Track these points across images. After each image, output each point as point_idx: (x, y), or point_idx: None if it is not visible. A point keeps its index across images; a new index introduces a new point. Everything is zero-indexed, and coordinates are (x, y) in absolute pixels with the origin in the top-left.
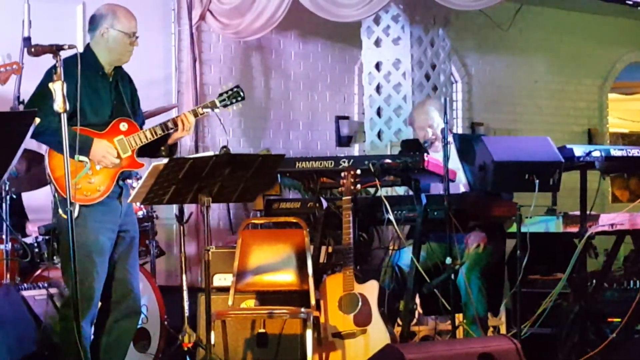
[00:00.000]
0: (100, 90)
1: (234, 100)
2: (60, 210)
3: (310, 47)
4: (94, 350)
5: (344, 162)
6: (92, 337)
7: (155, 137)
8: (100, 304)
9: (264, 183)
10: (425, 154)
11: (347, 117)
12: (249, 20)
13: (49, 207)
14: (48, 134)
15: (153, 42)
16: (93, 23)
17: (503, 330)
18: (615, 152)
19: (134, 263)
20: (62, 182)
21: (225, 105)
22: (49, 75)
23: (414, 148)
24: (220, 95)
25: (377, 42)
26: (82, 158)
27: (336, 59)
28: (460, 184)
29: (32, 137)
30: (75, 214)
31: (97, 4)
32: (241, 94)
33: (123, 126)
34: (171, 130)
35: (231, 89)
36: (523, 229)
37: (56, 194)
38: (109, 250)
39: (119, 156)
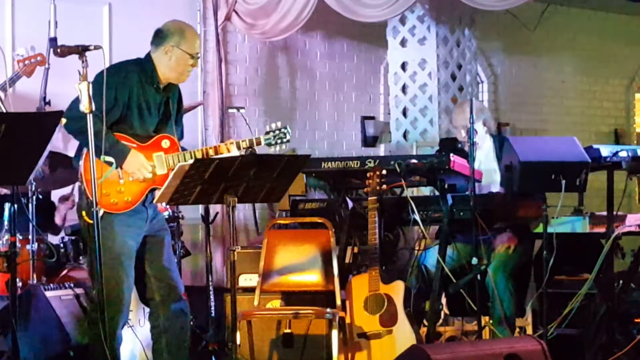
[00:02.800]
0: (151, 104)
1: (279, 141)
2: (84, 212)
3: (336, 47)
4: (158, 351)
5: (370, 162)
6: (122, 340)
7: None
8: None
9: (289, 183)
10: (452, 155)
11: (372, 117)
12: (274, 20)
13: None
14: (87, 135)
15: None
16: (159, 37)
17: (529, 330)
18: None
19: (170, 259)
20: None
21: (269, 145)
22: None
23: (451, 146)
24: (267, 133)
25: (403, 42)
26: (108, 159)
27: (362, 59)
28: (492, 186)
29: (72, 134)
30: (100, 216)
31: (124, 5)
32: (287, 136)
33: (165, 143)
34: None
35: (279, 129)
36: (549, 230)
37: (84, 196)
38: (135, 254)
39: (153, 172)
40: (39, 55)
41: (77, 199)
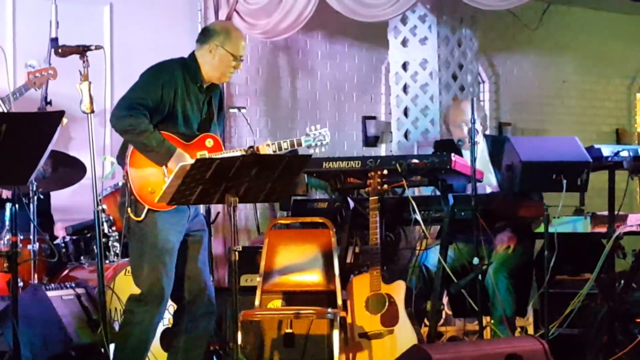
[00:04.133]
0: (194, 102)
1: (319, 143)
2: (129, 209)
3: (337, 47)
4: (174, 350)
5: (371, 162)
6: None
7: None
8: (175, 305)
9: (290, 183)
10: (453, 155)
11: (374, 117)
12: (275, 20)
13: (75, 207)
14: (136, 133)
15: (180, 42)
16: (205, 36)
17: (531, 330)
18: None
19: (205, 260)
20: (138, 183)
21: (309, 146)
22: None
23: (447, 148)
24: (307, 135)
25: (404, 42)
26: (111, 159)
27: (363, 59)
28: (487, 186)
29: (120, 131)
30: (142, 216)
31: (125, 5)
32: (327, 138)
33: (209, 142)
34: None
35: (319, 132)
36: (551, 230)
37: (130, 194)
38: (177, 251)
39: None
40: (51, 69)
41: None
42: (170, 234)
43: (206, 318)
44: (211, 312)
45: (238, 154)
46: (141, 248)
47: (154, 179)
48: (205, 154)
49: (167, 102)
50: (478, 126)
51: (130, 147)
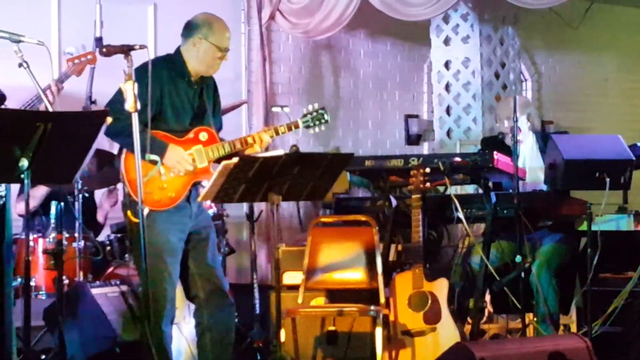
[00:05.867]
0: (184, 97)
1: (317, 123)
2: (129, 212)
3: (380, 46)
4: (202, 348)
5: (414, 160)
6: (172, 338)
7: (233, 151)
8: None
9: (333, 181)
10: (496, 153)
11: (416, 116)
12: (318, 19)
13: (120, 206)
14: (125, 135)
15: None
16: (188, 30)
17: (574, 328)
18: None
19: (215, 257)
20: (135, 183)
21: (307, 127)
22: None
23: (495, 145)
24: (304, 116)
25: (447, 41)
26: (153, 157)
27: (405, 57)
28: (538, 184)
29: (110, 137)
30: (144, 214)
31: (169, 4)
32: (325, 116)
33: (203, 136)
34: (248, 146)
35: (316, 110)
36: (594, 228)
37: (128, 195)
38: (180, 251)
39: (194, 165)
40: (89, 53)
41: (120, 197)
42: (170, 233)
43: (226, 312)
44: (229, 306)
45: (281, 152)
46: (140, 251)
47: (150, 180)
48: (200, 148)
49: (154, 101)
50: (524, 121)
51: (124, 150)
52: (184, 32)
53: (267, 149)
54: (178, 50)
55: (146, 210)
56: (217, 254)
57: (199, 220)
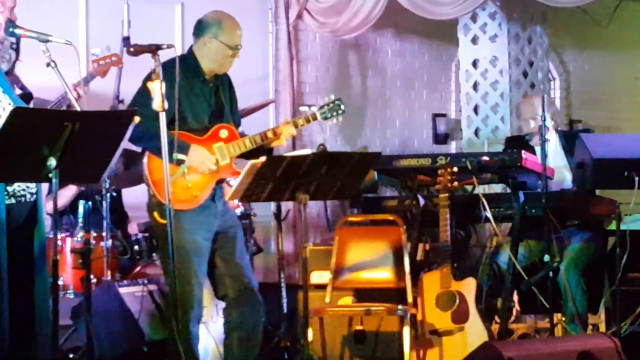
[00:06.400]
0: (200, 96)
1: (334, 114)
2: (155, 213)
3: (407, 45)
4: (228, 346)
5: (441, 159)
6: (198, 338)
7: (254, 147)
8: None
9: (360, 181)
10: (524, 152)
11: (444, 115)
12: (345, 18)
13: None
14: (147, 138)
15: (251, 41)
16: (198, 29)
17: (602, 328)
18: None
19: (243, 256)
20: (160, 185)
21: (325, 118)
22: (149, 79)
23: (518, 145)
24: (321, 107)
25: (474, 40)
26: (180, 156)
27: (433, 56)
28: (567, 180)
29: (132, 142)
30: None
31: (196, 4)
32: (342, 107)
33: (223, 133)
34: (269, 140)
35: (332, 102)
36: (622, 227)
37: (153, 197)
38: (207, 251)
39: (217, 163)
40: (114, 55)
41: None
42: (195, 234)
43: (255, 312)
44: (258, 305)
45: (308, 152)
46: (167, 251)
47: (174, 180)
48: (221, 145)
49: (171, 102)
50: (549, 122)
51: (146, 153)
52: (195, 31)
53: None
54: (191, 50)
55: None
56: (245, 253)
57: (225, 219)
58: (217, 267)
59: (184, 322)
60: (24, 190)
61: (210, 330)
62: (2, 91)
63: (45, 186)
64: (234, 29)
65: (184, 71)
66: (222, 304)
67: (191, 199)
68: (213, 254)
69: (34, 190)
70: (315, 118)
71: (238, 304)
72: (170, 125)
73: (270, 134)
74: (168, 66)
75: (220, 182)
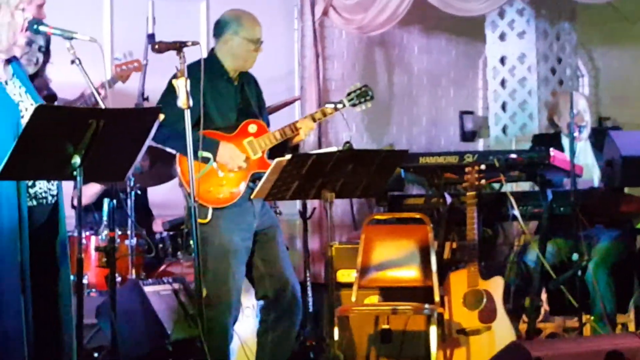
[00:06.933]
0: (226, 95)
1: (362, 100)
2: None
3: (434, 42)
4: (261, 345)
5: (469, 157)
6: (233, 337)
7: (285, 138)
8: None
9: (387, 179)
10: (552, 149)
11: (471, 112)
12: (372, 15)
13: (173, 203)
14: (174, 138)
15: (276, 38)
16: (217, 29)
17: (632, 327)
18: None
19: (284, 256)
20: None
21: (354, 105)
22: (174, 78)
23: (546, 142)
24: (349, 94)
25: (502, 36)
26: (205, 154)
27: (460, 53)
28: (595, 178)
29: (159, 143)
30: (209, 217)
31: (221, 1)
32: (370, 93)
33: (252, 128)
34: (299, 132)
35: (359, 88)
36: None
37: (188, 197)
38: (245, 251)
39: (247, 159)
40: (136, 61)
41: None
42: (234, 233)
43: (292, 314)
44: (296, 308)
45: (334, 149)
46: (204, 250)
47: (208, 178)
48: (252, 139)
49: (197, 103)
50: (588, 118)
51: (177, 155)
52: (215, 32)
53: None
54: (212, 51)
55: (210, 211)
56: (286, 253)
57: (264, 219)
58: (257, 267)
59: (219, 322)
60: (45, 192)
61: (237, 329)
62: (25, 91)
63: (67, 185)
64: (253, 24)
65: (207, 73)
66: (248, 304)
67: (228, 195)
68: (252, 254)
69: (55, 192)
70: (343, 105)
71: (277, 306)
72: (196, 126)
73: (299, 124)
74: (192, 68)
75: (255, 178)
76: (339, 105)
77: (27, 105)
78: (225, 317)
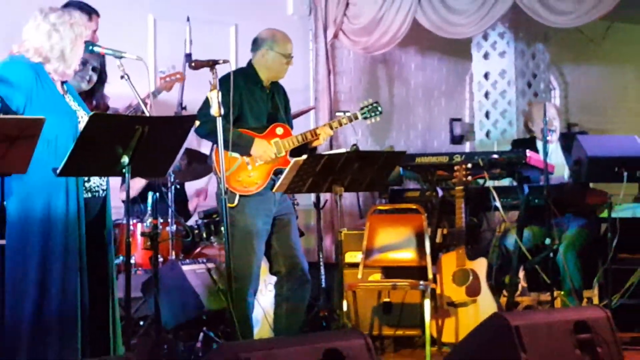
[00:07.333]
0: (259, 100)
1: (373, 114)
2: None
3: (428, 60)
4: (277, 315)
5: (457, 157)
6: (253, 307)
7: (305, 142)
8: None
9: (388, 175)
10: (528, 151)
11: (459, 119)
12: (375, 37)
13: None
14: (214, 134)
15: (295, 57)
16: (255, 44)
17: (596, 301)
18: None
19: (296, 239)
20: (227, 175)
21: (365, 118)
22: (221, 86)
23: (523, 145)
24: (362, 108)
25: (486, 56)
26: (234, 154)
27: (450, 70)
28: (565, 174)
29: (201, 136)
30: (236, 202)
31: (248, 25)
32: (379, 109)
33: (279, 130)
34: (317, 137)
35: (371, 104)
36: (613, 215)
37: (219, 185)
38: (265, 233)
39: (275, 155)
40: (178, 73)
41: (209, 192)
42: (256, 218)
43: (302, 287)
44: (306, 282)
45: (343, 151)
46: (232, 231)
47: (239, 170)
48: (278, 140)
49: (236, 105)
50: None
51: (214, 148)
52: (253, 47)
53: (331, 147)
54: (250, 63)
55: (237, 197)
56: (298, 237)
57: (282, 207)
58: (273, 247)
59: (242, 293)
60: (98, 186)
61: (260, 302)
62: (77, 104)
63: (115, 181)
64: (285, 41)
65: (245, 81)
66: (270, 280)
67: (254, 185)
68: (270, 235)
69: (105, 187)
70: (357, 118)
71: (288, 280)
72: (235, 124)
73: (318, 131)
74: (226, 78)
75: (277, 173)
76: (353, 118)
77: (82, 114)
78: (246, 287)
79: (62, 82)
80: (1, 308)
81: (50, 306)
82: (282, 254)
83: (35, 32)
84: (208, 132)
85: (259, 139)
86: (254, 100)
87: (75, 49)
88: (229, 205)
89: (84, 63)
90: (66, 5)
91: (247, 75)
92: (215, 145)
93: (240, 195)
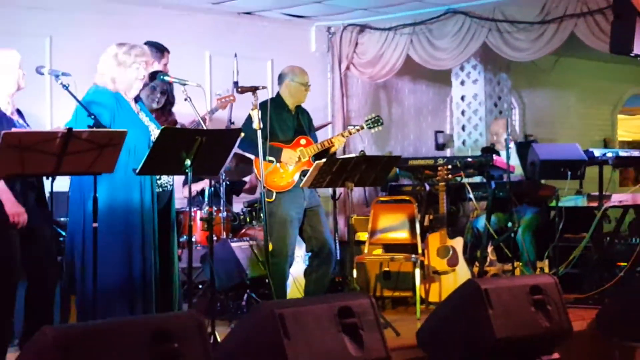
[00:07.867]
0: (287, 120)
1: (376, 125)
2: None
3: (418, 86)
4: (308, 282)
5: (440, 160)
6: (290, 275)
7: (324, 148)
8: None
9: (387, 174)
10: (495, 155)
11: (442, 131)
12: (378, 69)
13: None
14: (253, 147)
15: (315, 84)
16: (280, 78)
17: (547, 270)
18: (623, 153)
19: (324, 225)
20: (265, 177)
21: (369, 128)
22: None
23: (490, 152)
24: (367, 120)
25: (462, 83)
26: (269, 158)
27: (435, 93)
28: (523, 173)
29: (242, 149)
30: (273, 197)
31: (281, 59)
32: (381, 121)
33: (302, 141)
34: (333, 145)
35: (374, 117)
36: (560, 204)
37: (262, 185)
38: (298, 221)
39: (299, 159)
40: (232, 95)
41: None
42: (290, 209)
43: (328, 262)
44: (331, 258)
45: (353, 156)
46: (271, 220)
47: (273, 173)
48: (302, 149)
49: (267, 125)
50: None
51: (254, 159)
52: (279, 80)
53: (344, 152)
54: (278, 93)
55: (274, 194)
56: (326, 223)
57: (311, 200)
58: (306, 231)
59: (279, 266)
60: (166, 183)
61: (291, 271)
62: (149, 120)
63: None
64: (303, 73)
65: (274, 107)
66: (299, 255)
67: (285, 183)
68: (304, 223)
69: (171, 183)
70: (362, 128)
71: (318, 257)
72: (265, 141)
73: (334, 140)
74: (263, 104)
75: (304, 173)
76: (361, 128)
77: (152, 128)
78: (283, 263)
79: (136, 102)
80: (95, 276)
81: (134, 272)
82: (314, 237)
83: (108, 64)
84: (248, 146)
85: (286, 149)
86: (282, 121)
87: (135, 76)
88: (267, 200)
89: (153, 87)
90: (145, 44)
91: (276, 102)
92: (254, 156)
93: (277, 192)
